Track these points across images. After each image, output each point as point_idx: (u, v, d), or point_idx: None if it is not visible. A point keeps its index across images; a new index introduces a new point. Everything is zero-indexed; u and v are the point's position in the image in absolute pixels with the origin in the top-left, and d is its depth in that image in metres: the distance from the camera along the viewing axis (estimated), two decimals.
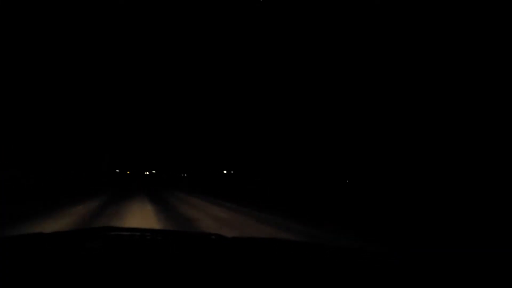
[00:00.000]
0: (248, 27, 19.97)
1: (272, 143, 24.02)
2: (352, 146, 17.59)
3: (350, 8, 14.13)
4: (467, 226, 7.54)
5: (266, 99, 23.32)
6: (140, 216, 7.50)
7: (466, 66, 12.43)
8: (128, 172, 70.87)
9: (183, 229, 6.57)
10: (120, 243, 1.38)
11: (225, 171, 46.67)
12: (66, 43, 21.85)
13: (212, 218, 7.67)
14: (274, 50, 19.93)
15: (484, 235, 6.37)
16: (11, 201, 9.58)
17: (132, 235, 1.49)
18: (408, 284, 1.05)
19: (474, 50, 12.48)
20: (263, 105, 24.14)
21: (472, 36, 12.44)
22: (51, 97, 23.91)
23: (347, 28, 14.88)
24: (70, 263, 1.14)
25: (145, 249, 1.34)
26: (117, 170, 70.00)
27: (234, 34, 22.62)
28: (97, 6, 18.87)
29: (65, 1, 18.16)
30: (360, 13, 13.81)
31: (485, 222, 7.84)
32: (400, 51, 13.69)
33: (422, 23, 13.24)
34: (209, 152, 45.76)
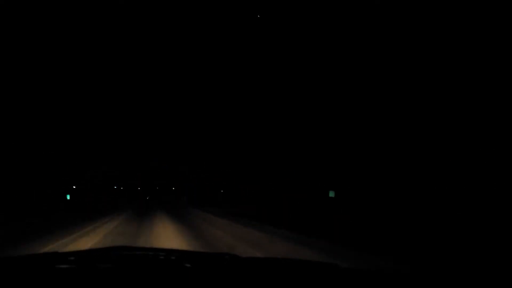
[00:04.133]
0: (247, 29, 20.05)
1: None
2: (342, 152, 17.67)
3: (350, 8, 14.20)
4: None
5: (265, 107, 23.41)
6: None
7: (466, 67, 12.48)
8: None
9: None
10: (134, 263, 1.38)
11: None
12: (60, 48, 22.05)
13: None
14: (273, 55, 19.93)
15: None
16: None
17: (146, 255, 1.49)
18: None
19: (475, 50, 12.54)
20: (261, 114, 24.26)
21: (472, 36, 12.50)
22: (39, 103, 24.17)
23: (346, 29, 14.95)
24: (84, 284, 1.14)
25: (159, 269, 1.34)
26: (115, 187, 57.27)
27: (230, 42, 22.75)
28: (97, 6, 19.09)
29: (65, 1, 18.39)
30: (360, 13, 13.87)
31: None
32: (400, 51, 13.78)
33: (422, 23, 13.32)
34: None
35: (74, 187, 31.99)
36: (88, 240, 7.13)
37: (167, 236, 8.11)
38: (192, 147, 46.43)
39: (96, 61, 29.68)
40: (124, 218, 13.55)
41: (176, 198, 44.86)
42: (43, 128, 28.64)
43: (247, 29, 20.31)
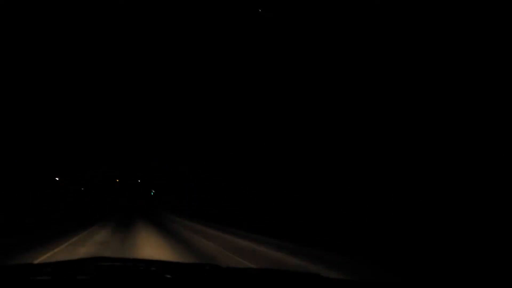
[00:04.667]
0: (245, 29, 20.02)
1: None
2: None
3: (350, 8, 14.16)
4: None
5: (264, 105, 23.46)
6: None
7: (467, 66, 12.48)
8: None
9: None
10: (112, 275, 1.34)
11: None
12: (57, 50, 22.03)
13: None
14: (273, 55, 19.91)
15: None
16: None
17: (125, 266, 1.45)
18: None
19: (475, 50, 12.53)
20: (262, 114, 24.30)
21: (472, 36, 12.49)
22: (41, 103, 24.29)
23: (346, 29, 14.93)
24: None
25: (139, 280, 1.30)
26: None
27: (230, 42, 22.69)
28: (97, 6, 19.00)
29: (65, 1, 18.32)
30: (360, 13, 13.82)
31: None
32: (400, 51, 13.75)
33: (422, 23, 13.30)
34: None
35: (56, 178, 32.24)
36: None
37: None
38: (192, 147, 46.27)
39: (96, 61, 29.64)
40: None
41: (176, 198, 44.71)
42: (43, 128, 28.60)
43: (245, 28, 20.31)
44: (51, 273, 1.31)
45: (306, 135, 18.77)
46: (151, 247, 7.88)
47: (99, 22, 21.76)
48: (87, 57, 26.81)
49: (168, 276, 1.34)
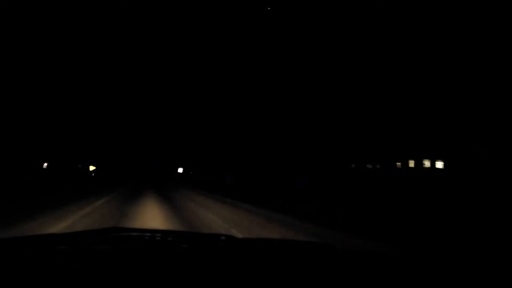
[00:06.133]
0: (246, 27, 20.05)
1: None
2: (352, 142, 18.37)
3: (350, 8, 14.23)
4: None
5: (264, 101, 23.72)
6: None
7: (467, 66, 12.54)
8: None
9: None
10: (130, 244, 1.39)
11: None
12: (58, 44, 22.04)
13: None
14: (275, 50, 19.99)
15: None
16: None
17: (142, 236, 1.49)
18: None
19: (474, 50, 12.60)
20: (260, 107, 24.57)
21: (472, 37, 12.55)
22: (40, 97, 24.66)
23: (346, 29, 15.01)
24: (80, 265, 1.14)
25: (155, 250, 1.34)
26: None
27: (232, 36, 22.66)
28: (97, 6, 18.99)
29: (65, 1, 18.31)
30: (360, 13, 13.89)
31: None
32: (400, 51, 13.81)
33: (422, 23, 13.35)
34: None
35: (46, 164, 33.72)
36: None
37: None
38: (191, 147, 46.28)
39: (98, 62, 29.61)
40: None
41: None
42: (45, 130, 28.50)
43: (244, 26, 20.31)
44: (72, 243, 1.35)
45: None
46: None
47: (100, 24, 21.72)
48: (90, 59, 26.78)
49: (185, 246, 1.38)
